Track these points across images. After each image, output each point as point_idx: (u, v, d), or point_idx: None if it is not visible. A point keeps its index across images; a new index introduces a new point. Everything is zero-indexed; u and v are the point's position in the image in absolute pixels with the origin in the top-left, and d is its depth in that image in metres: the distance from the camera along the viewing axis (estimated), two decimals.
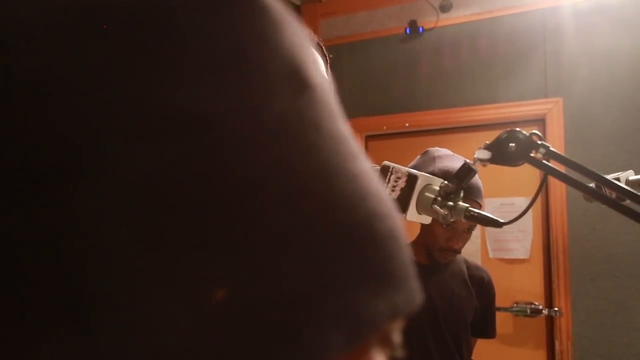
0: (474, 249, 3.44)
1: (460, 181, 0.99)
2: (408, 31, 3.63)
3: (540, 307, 3.26)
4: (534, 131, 1.00)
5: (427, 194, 1.00)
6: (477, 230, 3.41)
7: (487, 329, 2.11)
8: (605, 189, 1.07)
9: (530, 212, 3.33)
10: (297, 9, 3.96)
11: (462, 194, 0.99)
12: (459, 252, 1.97)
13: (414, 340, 1.91)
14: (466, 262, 2.10)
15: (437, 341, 1.92)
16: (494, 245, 3.42)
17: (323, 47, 1.33)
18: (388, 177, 1.05)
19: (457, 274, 2.03)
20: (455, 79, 3.53)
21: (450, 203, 0.98)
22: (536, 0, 3.33)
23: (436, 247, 1.92)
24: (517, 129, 1.00)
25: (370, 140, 3.85)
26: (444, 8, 3.56)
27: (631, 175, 1.47)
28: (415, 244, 2.05)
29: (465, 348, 1.99)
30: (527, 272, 3.35)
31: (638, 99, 3.07)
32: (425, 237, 1.97)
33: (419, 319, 1.92)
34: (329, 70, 1.33)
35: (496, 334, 2.13)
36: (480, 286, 2.05)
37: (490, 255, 3.42)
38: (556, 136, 3.21)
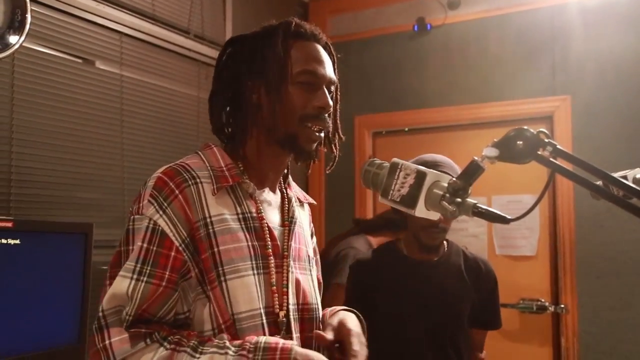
0: (480, 246, 3.45)
1: (469, 178, 1.00)
2: (416, 28, 3.64)
3: (547, 303, 3.26)
4: (541, 129, 1.01)
5: (435, 190, 1.01)
6: (484, 227, 3.43)
7: (488, 320, 2.09)
8: (612, 187, 1.08)
9: (537, 209, 3.35)
10: (305, 6, 3.98)
11: (470, 191, 1.01)
12: (445, 228, 1.95)
13: (407, 333, 1.92)
14: (464, 253, 2.08)
15: (429, 335, 1.92)
16: (500, 242, 3.43)
17: (331, 47, 1.35)
18: (397, 173, 1.06)
19: (452, 267, 2.01)
20: (463, 76, 3.53)
21: (458, 200, 0.99)
22: None
23: (419, 228, 1.92)
24: (525, 127, 1.01)
25: (377, 137, 3.86)
26: (452, 5, 3.57)
27: (638, 173, 1.48)
28: (406, 238, 2.05)
29: (463, 340, 1.98)
30: (533, 269, 3.36)
31: None
32: (410, 225, 1.98)
33: (410, 314, 1.92)
34: (337, 68, 1.35)
35: (501, 325, 2.11)
36: (477, 277, 2.02)
37: (497, 252, 3.43)
38: (564, 133, 3.21)
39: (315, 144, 1.28)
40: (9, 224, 1.78)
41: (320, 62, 1.27)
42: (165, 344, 1.07)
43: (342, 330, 1.23)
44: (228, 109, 1.32)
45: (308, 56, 1.26)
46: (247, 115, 1.28)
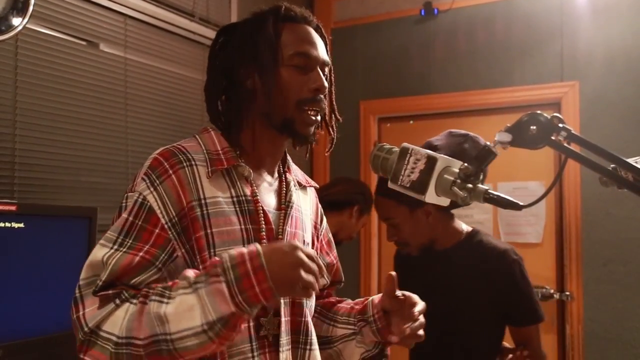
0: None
1: (480, 164, 0.98)
2: (423, 13, 3.60)
3: (552, 291, 3.25)
4: (555, 114, 0.99)
5: (446, 176, 1.00)
6: (489, 214, 3.41)
7: (517, 316, 1.88)
8: (626, 172, 1.06)
9: None
10: None
11: (482, 177, 0.99)
12: (400, 245, 1.99)
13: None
14: (483, 244, 1.90)
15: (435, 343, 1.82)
16: (506, 229, 3.41)
17: (322, 29, 1.35)
18: (407, 158, 1.04)
19: (458, 266, 1.89)
20: (470, 61, 3.50)
21: (470, 185, 0.97)
22: None
23: None
24: (539, 111, 0.99)
25: (382, 122, 3.84)
26: None
27: None
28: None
29: (468, 340, 1.87)
30: (539, 256, 3.34)
31: None
32: None
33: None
34: (329, 51, 1.35)
35: (537, 318, 1.87)
36: (492, 272, 1.85)
37: (503, 239, 3.41)
38: (571, 120, 3.18)
39: (313, 128, 1.27)
40: (13, 208, 1.76)
41: (312, 43, 1.27)
42: (135, 300, 1.05)
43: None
44: (223, 97, 1.32)
45: (300, 38, 1.26)
46: (242, 102, 1.28)
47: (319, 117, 1.27)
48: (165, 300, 1.03)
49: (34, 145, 2.15)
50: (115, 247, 1.10)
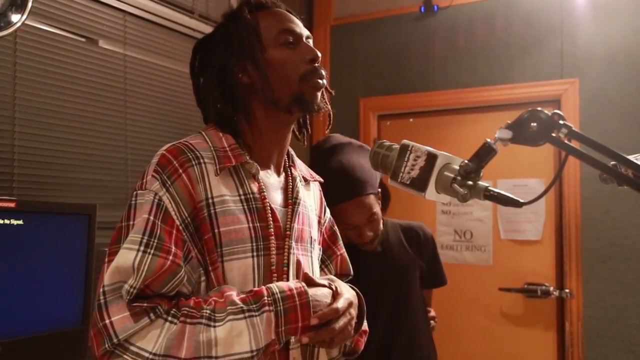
0: (485, 230, 3.43)
1: (480, 160, 0.98)
2: (422, 9, 3.59)
3: (551, 288, 3.25)
4: (556, 111, 0.99)
5: (446, 173, 1.00)
6: (489, 211, 3.41)
7: (435, 280, 2.25)
8: (626, 169, 1.06)
9: None
10: None
11: (482, 174, 0.99)
12: (373, 240, 2.00)
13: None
14: (400, 226, 2.18)
15: (381, 310, 1.99)
16: (505, 226, 3.41)
17: (292, 11, 1.37)
18: (407, 155, 1.04)
19: (393, 246, 2.12)
20: (469, 58, 3.49)
21: (470, 182, 0.97)
22: None
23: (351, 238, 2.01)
24: (539, 108, 0.99)
25: (382, 119, 3.83)
26: None
27: None
28: None
29: (413, 305, 2.11)
30: (538, 253, 3.35)
31: None
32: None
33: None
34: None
35: (447, 280, 2.29)
36: (418, 244, 2.16)
37: (502, 237, 3.42)
38: (571, 117, 3.18)
39: (320, 93, 1.30)
40: (12, 204, 1.76)
41: (292, 20, 1.31)
42: (171, 318, 1.05)
43: (331, 285, 1.25)
44: (220, 104, 1.31)
45: (279, 18, 1.30)
46: (242, 98, 1.28)
47: (324, 81, 1.29)
48: (213, 324, 1.06)
49: (33, 142, 2.14)
50: (142, 248, 1.08)
